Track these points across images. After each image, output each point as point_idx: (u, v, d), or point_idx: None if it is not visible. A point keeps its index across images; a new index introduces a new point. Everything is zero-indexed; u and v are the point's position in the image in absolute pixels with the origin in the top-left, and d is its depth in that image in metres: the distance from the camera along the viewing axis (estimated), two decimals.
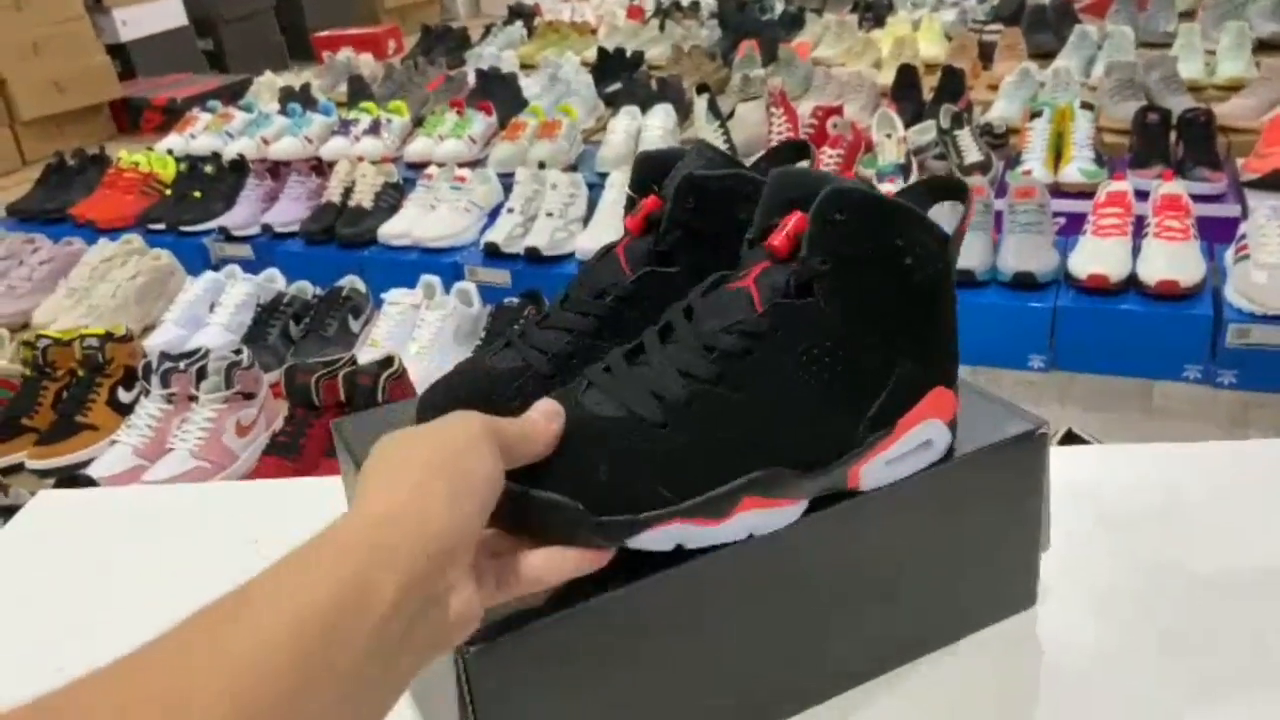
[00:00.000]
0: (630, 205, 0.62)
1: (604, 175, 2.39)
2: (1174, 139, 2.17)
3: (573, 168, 2.55)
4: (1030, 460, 0.59)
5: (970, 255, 1.90)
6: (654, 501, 0.46)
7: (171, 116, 3.58)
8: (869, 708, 0.56)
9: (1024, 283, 1.86)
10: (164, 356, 1.65)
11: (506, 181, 2.43)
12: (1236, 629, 0.60)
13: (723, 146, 2.43)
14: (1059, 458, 0.60)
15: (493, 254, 2.24)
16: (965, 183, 0.56)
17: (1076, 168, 2.12)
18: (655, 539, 0.46)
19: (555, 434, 0.46)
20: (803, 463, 0.50)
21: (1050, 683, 0.58)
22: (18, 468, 1.67)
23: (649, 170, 0.61)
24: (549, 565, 0.45)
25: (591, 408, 0.48)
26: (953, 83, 2.57)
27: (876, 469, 0.52)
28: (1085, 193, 2.06)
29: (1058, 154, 2.21)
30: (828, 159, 2.29)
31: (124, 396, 1.73)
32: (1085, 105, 2.27)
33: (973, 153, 2.20)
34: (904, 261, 0.50)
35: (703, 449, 0.47)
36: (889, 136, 2.29)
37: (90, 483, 1.50)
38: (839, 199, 0.48)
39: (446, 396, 0.59)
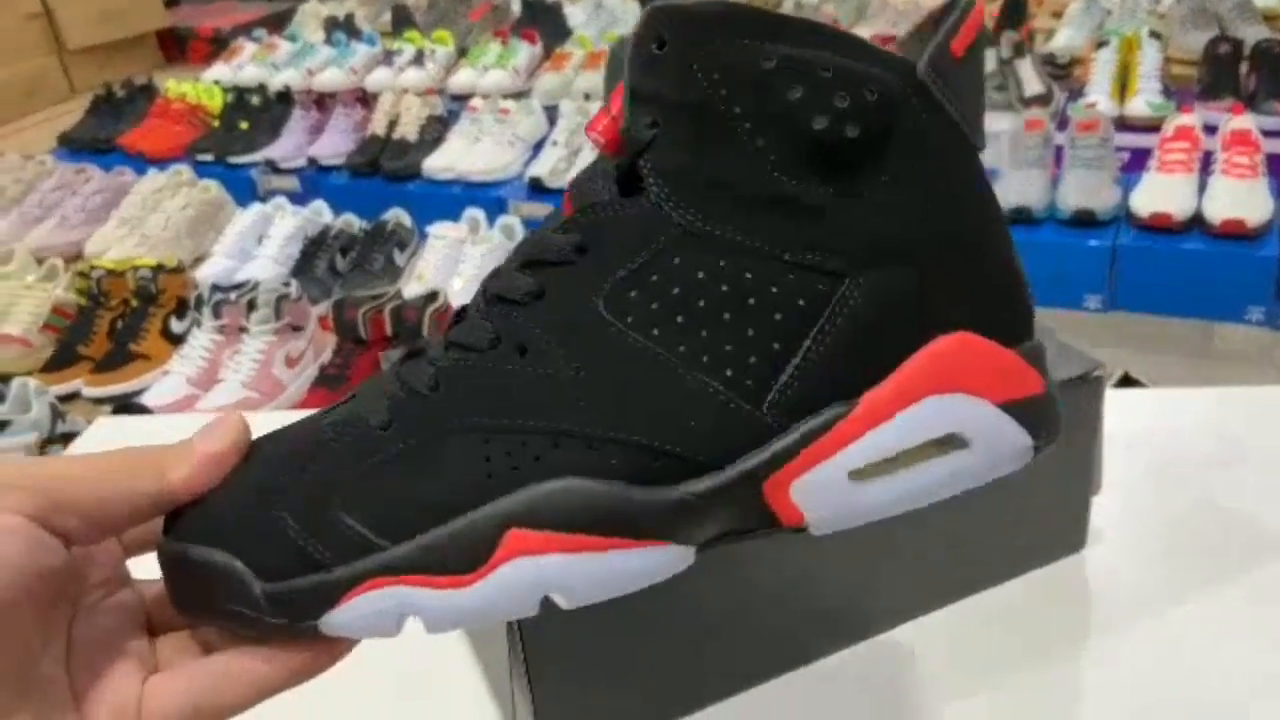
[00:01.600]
0: None
1: None
2: (1245, 71, 2.08)
3: None
4: (1085, 403, 0.57)
5: (1028, 191, 1.84)
6: (349, 551, 0.28)
7: (217, 46, 3.58)
8: (914, 646, 0.56)
9: (1084, 220, 1.80)
10: (215, 288, 1.67)
11: (552, 114, 2.40)
12: None
13: None
14: (1114, 401, 0.59)
15: (537, 188, 2.23)
16: None
17: (1143, 100, 2.04)
18: (364, 616, 0.28)
19: (211, 458, 0.29)
20: (644, 468, 0.29)
21: (1097, 627, 0.57)
22: (74, 395, 1.71)
23: None
24: (230, 680, 0.29)
25: (325, 418, 0.31)
26: (1014, 10, 2.48)
27: (828, 486, 0.30)
28: (1151, 126, 1.98)
29: (1123, 86, 2.13)
30: None
31: (176, 327, 1.76)
32: (1154, 34, 2.17)
33: (1034, 84, 2.13)
34: (787, 96, 0.29)
35: (434, 459, 0.29)
36: None
37: (144, 411, 1.53)
38: (659, 18, 0.29)
39: None
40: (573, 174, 2.12)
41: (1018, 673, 0.54)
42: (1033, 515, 0.59)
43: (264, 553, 0.28)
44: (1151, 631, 0.55)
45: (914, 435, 0.30)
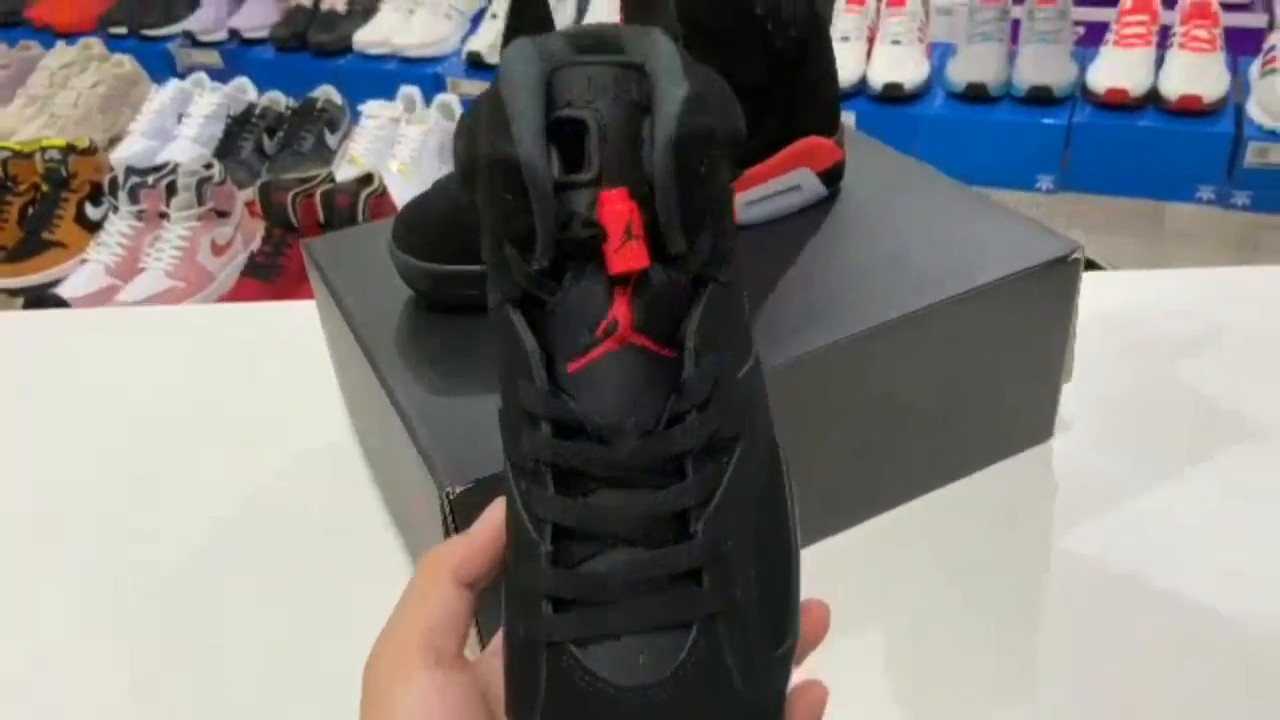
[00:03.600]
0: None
1: None
2: None
3: None
4: (1061, 286, 0.54)
5: (984, 68, 1.79)
6: None
7: None
8: (880, 543, 0.54)
9: (1040, 97, 1.76)
10: (131, 171, 1.56)
11: None
12: (1256, 460, 0.57)
13: None
14: (1082, 284, 0.56)
15: (476, 64, 2.12)
16: None
17: None
18: None
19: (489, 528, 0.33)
20: None
21: (1062, 517, 0.55)
22: None
23: None
24: None
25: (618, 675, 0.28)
26: None
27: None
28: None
29: None
30: None
31: (92, 213, 1.66)
32: None
33: None
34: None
35: None
36: None
37: (61, 304, 1.45)
38: None
39: (424, 216, 0.54)
40: None
41: (985, 564, 0.53)
42: (1003, 405, 0.57)
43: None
44: (1116, 522, 0.54)
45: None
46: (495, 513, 0.32)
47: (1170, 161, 1.70)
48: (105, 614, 0.54)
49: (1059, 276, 0.54)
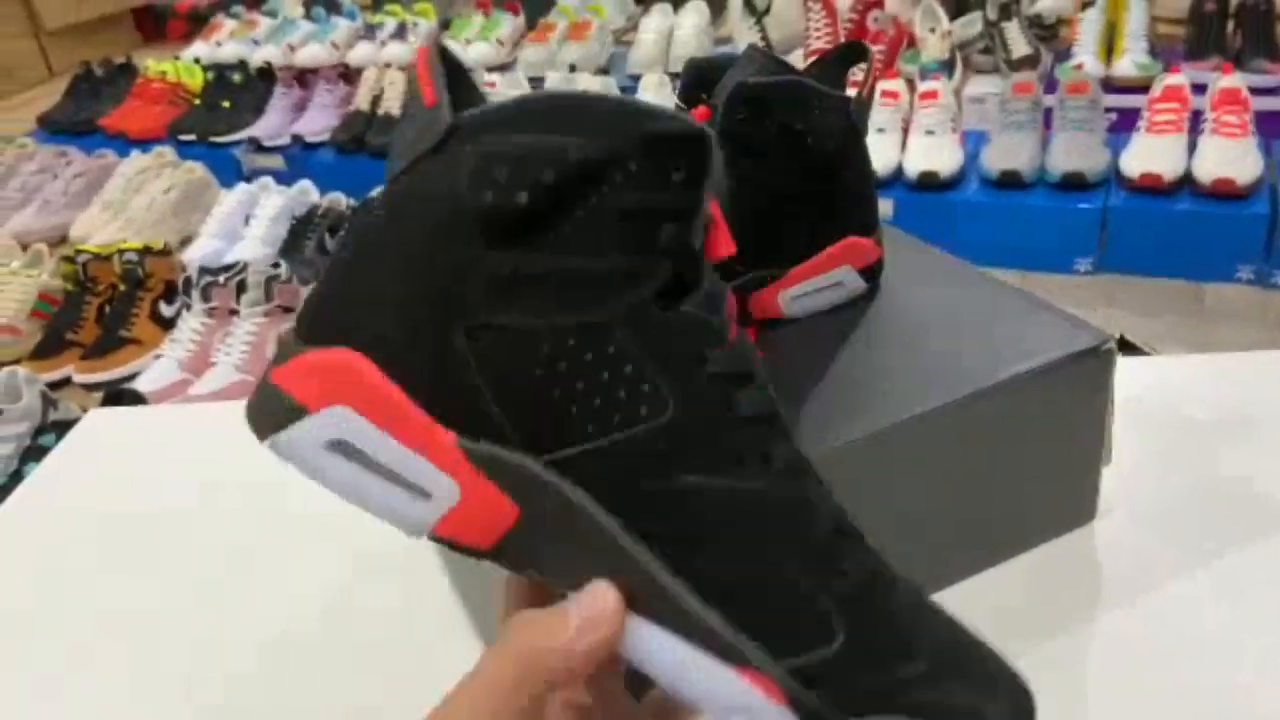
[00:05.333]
0: None
1: (636, 78, 2.33)
2: (1232, 29, 2.07)
3: (604, 70, 2.49)
4: (1094, 376, 0.57)
5: (1018, 155, 1.84)
6: None
7: (195, 23, 3.53)
8: None
9: (1074, 183, 1.80)
10: (204, 271, 1.65)
11: (536, 86, 2.38)
12: None
13: (759, 44, 2.35)
14: (1120, 369, 0.58)
15: None
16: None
17: (1130, 60, 2.03)
18: None
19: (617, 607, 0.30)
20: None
21: (1107, 600, 0.57)
22: (65, 382, 1.70)
23: (697, 78, 0.58)
24: None
25: None
26: None
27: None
28: (1138, 87, 1.98)
29: (1109, 46, 2.12)
30: None
31: (165, 311, 1.75)
32: None
33: (1021, 46, 2.12)
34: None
35: None
36: (932, 31, 2.20)
37: (137, 397, 1.52)
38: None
39: None
40: None
41: (1027, 647, 0.54)
42: (1045, 488, 0.59)
43: None
44: (1160, 605, 0.55)
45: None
46: (599, 605, 0.30)
47: (1207, 243, 1.72)
48: (176, 712, 0.56)
49: (1093, 367, 0.56)
